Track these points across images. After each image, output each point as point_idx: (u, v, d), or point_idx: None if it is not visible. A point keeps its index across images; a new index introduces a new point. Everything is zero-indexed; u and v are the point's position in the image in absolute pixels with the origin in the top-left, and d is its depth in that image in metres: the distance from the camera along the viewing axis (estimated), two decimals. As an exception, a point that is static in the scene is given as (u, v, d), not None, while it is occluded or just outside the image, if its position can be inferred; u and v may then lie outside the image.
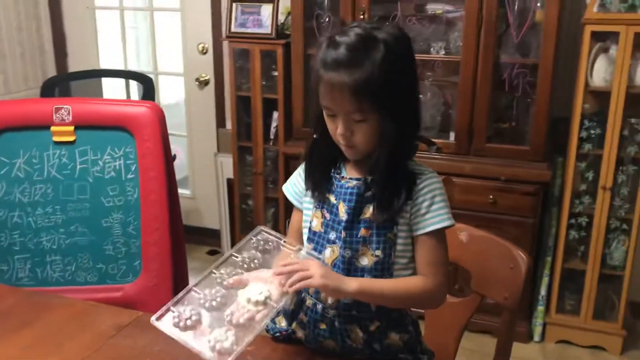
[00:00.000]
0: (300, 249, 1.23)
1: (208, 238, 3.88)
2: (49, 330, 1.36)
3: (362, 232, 1.23)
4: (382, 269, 1.23)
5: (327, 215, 1.26)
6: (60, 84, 3.63)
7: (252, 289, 1.13)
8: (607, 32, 2.55)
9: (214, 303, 1.12)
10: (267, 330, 1.34)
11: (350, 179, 1.25)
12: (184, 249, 2.30)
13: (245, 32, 3.07)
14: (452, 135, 2.84)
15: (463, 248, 1.63)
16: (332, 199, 1.26)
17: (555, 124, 2.85)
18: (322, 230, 1.27)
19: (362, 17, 2.75)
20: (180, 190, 3.92)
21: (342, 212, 1.24)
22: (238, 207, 3.40)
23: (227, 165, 3.61)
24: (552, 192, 2.87)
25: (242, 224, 3.44)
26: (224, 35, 3.23)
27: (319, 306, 1.27)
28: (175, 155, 3.31)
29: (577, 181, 2.74)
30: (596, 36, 2.55)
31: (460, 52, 2.69)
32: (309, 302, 1.28)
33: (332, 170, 1.28)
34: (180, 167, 4.11)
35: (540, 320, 2.91)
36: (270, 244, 1.25)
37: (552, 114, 2.69)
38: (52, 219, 2.00)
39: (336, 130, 1.18)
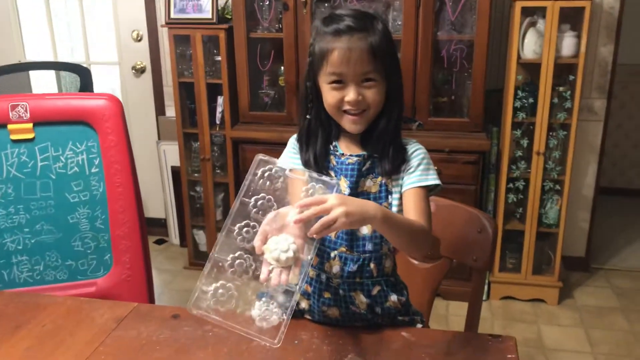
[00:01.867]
0: (310, 177, 1.18)
1: (155, 227, 3.85)
2: (47, 329, 1.36)
3: None
4: (381, 236, 1.32)
5: (329, 192, 1.33)
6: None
7: (276, 244, 1.09)
8: (535, 7, 2.74)
9: (244, 274, 1.10)
10: None
11: (351, 155, 1.33)
12: (147, 240, 2.31)
13: (186, 17, 3.05)
14: (395, 111, 2.95)
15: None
16: (332, 174, 1.34)
17: (489, 96, 3.03)
18: None
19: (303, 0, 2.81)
20: (121, 181, 3.90)
21: (343, 186, 1.32)
22: (186, 194, 3.39)
23: (170, 152, 3.59)
24: (490, 160, 3.06)
25: (192, 210, 3.44)
26: (163, 22, 3.18)
27: (324, 276, 1.34)
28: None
29: (512, 148, 2.94)
30: (525, 11, 2.72)
31: (401, 31, 2.80)
32: (312, 273, 1.35)
33: (330, 146, 1.35)
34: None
35: (486, 280, 3.11)
36: (276, 175, 1.18)
37: (485, 86, 2.87)
38: (15, 219, 1.95)
39: (342, 99, 1.25)
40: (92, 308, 1.45)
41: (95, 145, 1.98)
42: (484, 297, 3.13)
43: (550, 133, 2.85)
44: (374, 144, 1.33)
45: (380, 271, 1.36)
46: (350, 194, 1.31)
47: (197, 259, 3.50)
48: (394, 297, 1.39)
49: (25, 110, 1.92)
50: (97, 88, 3.71)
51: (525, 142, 2.90)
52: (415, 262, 1.79)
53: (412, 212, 1.33)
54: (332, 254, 1.33)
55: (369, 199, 1.32)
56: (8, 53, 3.66)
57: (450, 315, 2.99)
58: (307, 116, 1.34)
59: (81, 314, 1.42)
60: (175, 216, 3.73)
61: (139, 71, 3.60)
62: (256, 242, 1.11)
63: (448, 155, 2.85)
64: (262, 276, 1.09)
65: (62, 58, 3.71)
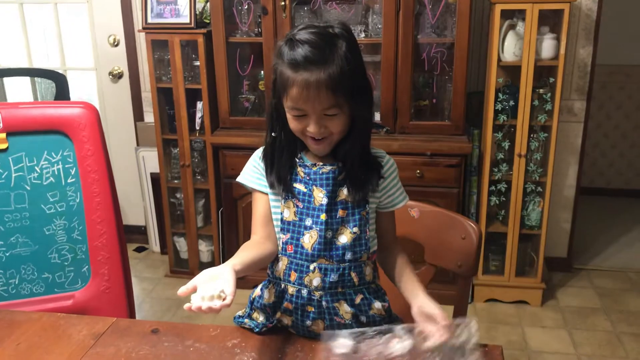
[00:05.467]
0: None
1: (134, 235, 3.79)
2: (22, 347, 1.31)
3: (340, 212, 1.31)
4: (360, 244, 1.32)
5: (300, 204, 1.31)
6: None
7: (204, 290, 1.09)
8: (515, 10, 2.74)
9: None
10: (251, 329, 1.37)
11: (324, 165, 1.31)
12: (126, 250, 2.26)
13: (163, 22, 3.00)
14: (377, 115, 2.94)
15: (415, 223, 1.73)
16: (301, 187, 1.31)
17: (469, 99, 3.03)
18: (297, 219, 1.32)
19: (282, 3, 2.78)
20: (100, 189, 3.83)
21: (319, 196, 1.30)
22: (166, 201, 3.34)
23: (149, 159, 3.54)
24: (471, 162, 3.06)
25: (172, 217, 3.39)
26: (140, 26, 3.13)
27: (304, 290, 1.31)
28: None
29: (494, 150, 2.94)
30: (505, 14, 2.72)
31: (381, 34, 2.78)
32: (291, 290, 1.32)
33: (295, 159, 1.33)
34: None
35: (470, 285, 3.11)
36: None
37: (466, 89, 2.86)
38: (-11, 232, 1.90)
39: (303, 129, 1.23)
40: (69, 324, 1.40)
41: (72, 155, 1.93)
42: (468, 300, 3.12)
43: (531, 135, 2.86)
44: (344, 156, 1.30)
45: (362, 279, 1.35)
46: (328, 203, 1.29)
47: (178, 267, 3.45)
48: (377, 305, 1.37)
49: (-2, 120, 1.86)
50: (73, 94, 3.64)
51: (506, 145, 2.90)
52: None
53: (391, 232, 1.45)
54: (312, 267, 1.30)
55: (346, 208, 1.31)
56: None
57: (434, 318, 2.97)
58: (272, 134, 1.31)
59: (58, 330, 1.38)
60: (155, 223, 3.67)
61: (116, 77, 3.54)
62: (182, 289, 1.10)
63: (430, 158, 2.85)
64: (186, 306, 1.08)
65: (38, 64, 3.64)
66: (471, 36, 2.75)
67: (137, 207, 3.75)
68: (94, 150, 1.93)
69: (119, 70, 3.53)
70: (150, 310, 3.11)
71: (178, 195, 3.37)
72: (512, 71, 2.84)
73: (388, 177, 1.38)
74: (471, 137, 3.00)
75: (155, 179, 3.49)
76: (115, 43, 3.48)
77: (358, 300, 1.34)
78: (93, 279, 1.96)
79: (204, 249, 3.39)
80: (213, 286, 1.09)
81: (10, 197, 1.91)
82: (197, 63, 3.06)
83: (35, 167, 1.92)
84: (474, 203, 3.09)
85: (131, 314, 2.19)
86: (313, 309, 1.32)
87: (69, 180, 1.94)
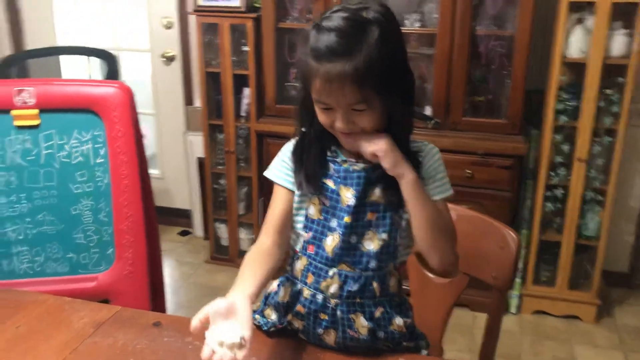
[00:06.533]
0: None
1: (179, 219, 3.79)
2: (21, 331, 1.27)
3: (369, 215, 1.18)
4: (388, 252, 1.20)
5: (326, 202, 1.20)
6: (17, 64, 3.46)
7: (222, 333, 0.98)
8: (584, 3, 2.52)
9: None
10: (259, 326, 1.27)
11: (357, 162, 1.18)
12: (157, 233, 2.22)
13: (214, 5, 2.95)
14: (428, 110, 2.80)
15: (450, 228, 1.60)
16: (331, 183, 1.19)
17: (529, 97, 2.83)
18: (322, 218, 1.20)
19: (334, -12, 2.67)
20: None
21: (347, 197, 1.17)
22: (210, 186, 3.31)
23: (196, 143, 3.51)
24: (527, 165, 2.87)
25: (215, 203, 3.36)
26: (190, 8, 3.10)
27: (320, 296, 1.21)
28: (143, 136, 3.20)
29: (552, 153, 2.73)
30: (573, 7, 2.51)
31: (437, 25, 2.63)
32: (306, 293, 1.22)
33: (328, 154, 1.21)
34: (148, 147, 3.98)
35: (517, 292, 2.93)
36: None
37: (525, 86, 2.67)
38: (17, 208, 1.89)
39: (332, 123, 1.11)
40: (72, 309, 1.36)
41: (102, 135, 1.90)
42: (514, 311, 2.94)
43: (595, 139, 2.64)
44: None
45: (384, 290, 1.22)
46: (356, 205, 1.17)
47: (218, 253, 3.42)
48: (399, 320, 1.24)
49: (31, 96, 1.84)
50: (129, 75, 3.68)
51: (566, 148, 2.69)
52: (431, 275, 1.65)
53: None
54: (331, 272, 1.19)
55: (377, 210, 1.18)
56: (40, 37, 3.64)
57: (476, 328, 2.81)
58: (302, 129, 1.20)
59: (60, 315, 1.33)
60: (199, 208, 3.65)
61: (169, 59, 3.53)
62: (195, 320, 1.00)
63: (481, 158, 2.68)
64: (205, 355, 0.97)
65: (94, 44, 3.67)
66: (534, 29, 2.55)
67: (184, 191, 3.74)
68: (125, 131, 1.89)
69: (172, 53, 3.51)
70: (186, 296, 3.09)
71: (222, 182, 3.33)
72: (577, 69, 2.62)
73: (425, 169, 1.20)
74: (529, 137, 2.80)
75: (201, 163, 3.47)
76: (169, 25, 3.46)
77: (378, 313, 1.22)
78: (117, 263, 1.93)
79: (244, 236, 3.34)
80: (231, 328, 0.98)
81: (39, 174, 1.90)
82: (246, 48, 2.99)
83: (65, 146, 1.89)
84: (528, 208, 2.89)
85: (158, 300, 2.16)
86: (327, 317, 1.21)
87: (97, 161, 1.91)
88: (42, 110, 1.87)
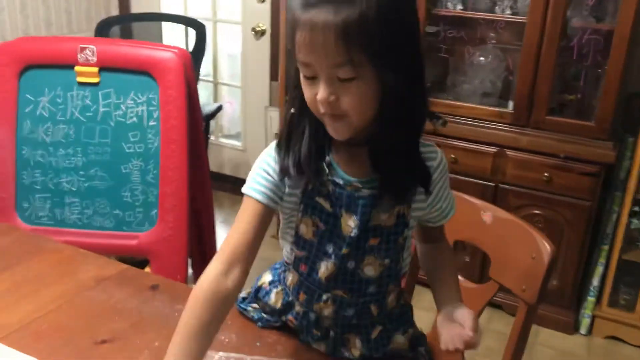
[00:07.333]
0: None
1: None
2: (29, 275, 1.32)
3: (371, 241, 1.02)
4: (389, 276, 1.07)
5: (321, 225, 1.02)
6: (122, 26, 3.63)
7: None
8: (700, -3, 2.22)
9: None
10: (255, 321, 1.19)
11: (361, 184, 0.99)
12: (210, 200, 2.24)
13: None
14: (510, 104, 2.60)
15: (485, 229, 1.47)
16: (327, 205, 1.00)
17: (629, 100, 2.55)
18: (316, 240, 1.03)
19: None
20: (231, 142, 3.93)
21: (349, 225, 1.00)
22: (283, 163, 3.31)
23: (276, 119, 3.52)
24: (618, 175, 2.60)
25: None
26: (280, -18, 3.08)
27: (312, 315, 1.09)
28: (220, 106, 3.25)
29: (647, 165, 2.45)
30: (686, 1, 2.22)
31: (526, 12, 2.43)
32: (298, 308, 1.11)
33: (322, 164, 0.99)
34: (234, 119, 4.06)
35: (589, 312, 2.68)
36: None
37: (625, 88, 2.41)
38: (73, 160, 1.97)
39: (316, 96, 0.90)
40: (83, 261, 1.39)
41: (156, 98, 1.93)
42: (584, 332, 2.69)
43: (698, 153, 2.33)
44: (384, 160, 0.97)
45: (383, 310, 1.10)
46: (360, 230, 1.00)
47: (285, 231, 3.42)
48: (400, 338, 1.12)
49: (93, 54, 1.91)
50: (223, 46, 3.75)
51: (662, 160, 2.40)
52: (462, 278, 1.53)
53: (438, 233, 1.19)
54: (324, 296, 1.06)
55: (381, 235, 1.02)
56: (145, 3, 3.79)
57: (538, 344, 2.61)
58: (292, 110, 0.99)
59: (70, 266, 1.37)
60: (275, 183, 3.67)
61: (259, 34, 3.55)
62: None
63: (562, 161, 2.45)
64: None
65: (193, 13, 3.77)
66: (637, 24, 2.28)
67: (262, 166, 3.77)
68: (177, 96, 1.91)
69: (262, 28, 3.53)
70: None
71: (295, 160, 3.31)
72: (685, 72, 2.33)
73: (438, 182, 1.04)
74: (623, 145, 2.54)
75: (278, 139, 3.47)
76: (262, -1, 3.48)
77: (375, 333, 1.10)
78: (159, 224, 1.97)
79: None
80: None
81: (95, 131, 1.97)
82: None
83: (122, 105, 1.95)
84: (612, 222, 2.62)
85: (199, 267, 2.19)
86: (319, 334, 1.11)
87: (150, 123, 1.95)
88: (103, 69, 1.93)
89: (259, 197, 0.99)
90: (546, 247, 1.32)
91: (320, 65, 0.87)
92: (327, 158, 0.99)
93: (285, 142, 0.99)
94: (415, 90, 0.93)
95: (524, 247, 1.36)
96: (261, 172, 1.01)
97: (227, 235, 1.00)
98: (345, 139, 0.95)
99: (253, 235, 0.98)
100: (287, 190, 1.01)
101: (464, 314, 0.97)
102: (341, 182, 0.99)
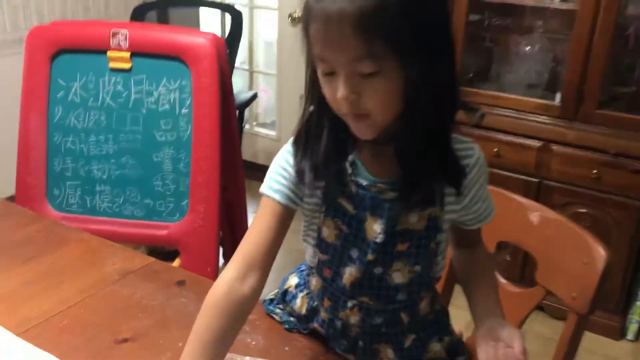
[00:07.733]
0: None
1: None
2: (53, 267, 1.28)
3: (399, 247, 0.94)
4: (421, 283, 0.99)
5: (345, 228, 0.94)
6: (158, 12, 3.60)
7: None
8: None
9: None
10: (282, 323, 1.13)
11: (387, 186, 0.91)
12: (243, 191, 2.19)
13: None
14: (557, 97, 2.47)
15: (532, 230, 1.37)
16: (349, 207, 0.93)
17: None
18: (339, 244, 0.96)
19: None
20: (265, 131, 3.87)
21: (374, 230, 0.93)
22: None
23: (312, 108, 3.45)
24: (673, 174, 2.45)
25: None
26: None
27: (338, 323, 1.03)
28: (255, 94, 3.20)
29: None
30: None
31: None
32: (324, 315, 1.05)
33: (344, 162, 0.92)
34: (269, 108, 4.00)
35: (637, 317, 2.54)
36: None
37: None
38: (104, 147, 1.94)
39: (336, 94, 0.82)
40: (110, 253, 1.34)
41: (188, 85, 1.88)
42: (632, 337, 2.56)
43: None
44: (414, 160, 0.88)
45: (415, 316, 1.02)
46: (386, 234, 0.93)
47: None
48: (436, 346, 1.04)
49: (125, 39, 1.86)
50: (259, 33, 3.68)
51: None
52: (504, 280, 1.44)
53: (475, 237, 1.08)
54: (350, 303, 0.99)
55: (410, 239, 0.94)
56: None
57: (583, 350, 2.47)
58: (310, 107, 0.91)
59: (96, 257, 1.32)
60: (308, 174, 3.61)
61: (296, 20, 3.47)
62: None
63: (613, 158, 2.32)
64: None
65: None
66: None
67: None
68: (210, 83, 1.86)
69: (299, 14, 3.45)
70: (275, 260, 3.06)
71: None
72: None
73: (475, 183, 0.95)
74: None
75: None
76: (299, -15, 3.40)
77: (408, 342, 1.02)
78: (189, 215, 1.92)
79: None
80: None
81: (127, 118, 1.92)
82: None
83: (154, 92, 1.90)
84: (664, 223, 2.48)
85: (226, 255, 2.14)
86: (346, 343, 1.04)
87: (183, 111, 1.90)
88: (135, 54, 1.88)
89: (278, 197, 0.93)
90: (600, 252, 1.22)
91: (337, 60, 0.79)
92: (351, 157, 0.92)
93: (303, 143, 0.92)
94: (445, 83, 0.84)
95: (575, 251, 1.26)
96: (279, 170, 0.95)
97: (244, 237, 0.94)
98: (371, 138, 0.88)
99: (272, 238, 0.92)
100: (307, 190, 0.94)
101: (511, 334, 0.88)
102: (365, 183, 0.92)
